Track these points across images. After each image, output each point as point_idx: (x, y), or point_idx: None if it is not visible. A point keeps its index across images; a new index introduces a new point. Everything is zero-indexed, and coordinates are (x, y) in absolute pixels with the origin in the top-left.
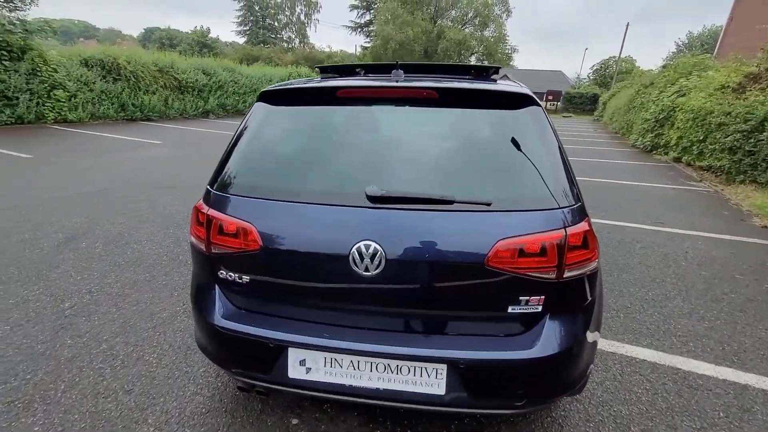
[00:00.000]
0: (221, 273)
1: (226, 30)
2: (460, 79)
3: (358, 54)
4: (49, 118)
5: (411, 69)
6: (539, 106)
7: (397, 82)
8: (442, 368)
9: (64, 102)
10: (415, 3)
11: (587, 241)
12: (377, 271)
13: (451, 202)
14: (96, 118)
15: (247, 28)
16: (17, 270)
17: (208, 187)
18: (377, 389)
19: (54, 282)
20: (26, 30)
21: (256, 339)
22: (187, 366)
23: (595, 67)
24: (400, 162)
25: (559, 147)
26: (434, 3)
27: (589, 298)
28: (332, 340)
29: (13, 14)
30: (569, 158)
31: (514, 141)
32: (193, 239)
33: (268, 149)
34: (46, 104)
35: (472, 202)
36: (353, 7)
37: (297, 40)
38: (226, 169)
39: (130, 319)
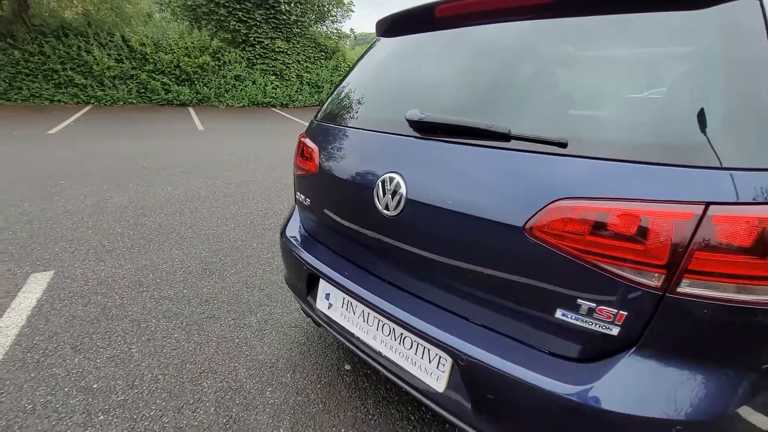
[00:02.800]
0: (298, 195)
1: None
2: None
3: None
4: None
5: None
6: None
7: None
8: (446, 359)
9: None
10: None
11: (765, 242)
12: (396, 211)
13: (506, 137)
14: None
15: None
16: None
17: (312, 118)
18: (379, 353)
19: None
20: (339, 37)
21: (301, 261)
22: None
23: None
24: (474, 90)
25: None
26: None
27: (756, 353)
28: (349, 282)
29: (334, 26)
30: None
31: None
32: None
33: (359, 81)
34: None
35: (536, 139)
36: None
37: None
38: (327, 102)
39: None
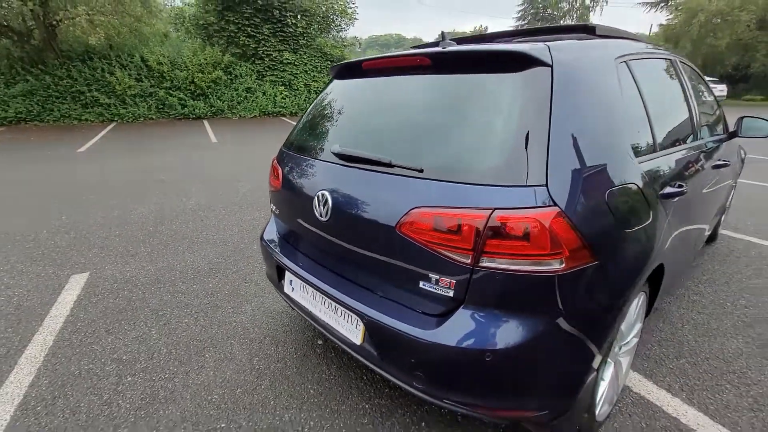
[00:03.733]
0: (271, 205)
1: (506, 27)
2: (510, 41)
3: (648, 35)
4: None
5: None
6: (548, 66)
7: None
8: (359, 321)
9: None
10: None
11: (533, 232)
12: (327, 218)
13: (389, 165)
14: None
15: (526, 21)
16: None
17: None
18: (324, 321)
19: None
20: (344, 45)
21: (273, 258)
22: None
23: None
24: (380, 127)
25: (551, 118)
26: None
27: (540, 304)
28: (302, 270)
29: (339, 34)
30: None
31: (489, 107)
32: None
33: (312, 116)
34: None
35: (405, 167)
36: None
37: None
38: (291, 132)
39: None
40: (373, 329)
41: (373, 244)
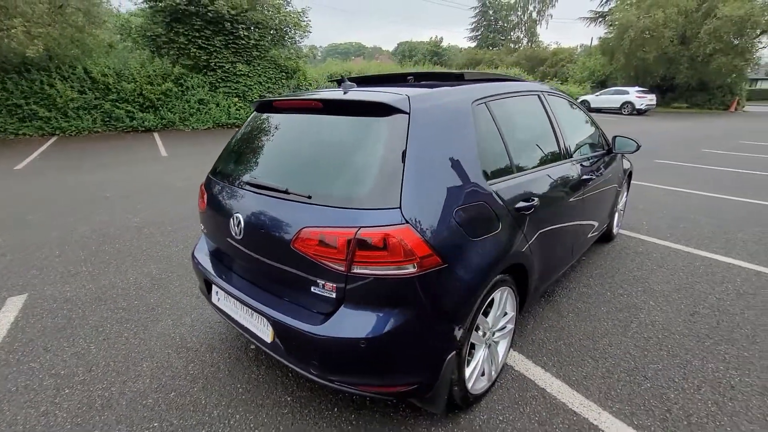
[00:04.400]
0: (201, 225)
1: (460, 38)
2: (417, 86)
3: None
4: None
5: (378, 80)
6: (407, 113)
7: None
8: (268, 322)
9: None
10: None
11: (389, 244)
12: (241, 236)
13: (286, 192)
14: None
15: (479, 33)
16: None
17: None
18: (243, 325)
19: None
20: (298, 57)
21: (202, 272)
22: None
23: None
24: (284, 159)
25: (406, 156)
26: None
27: (402, 300)
28: (224, 282)
29: (294, 46)
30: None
31: (361, 146)
32: None
33: (233, 145)
34: None
35: (298, 194)
36: None
37: (525, 40)
38: (218, 158)
39: None
40: (278, 328)
41: (276, 257)
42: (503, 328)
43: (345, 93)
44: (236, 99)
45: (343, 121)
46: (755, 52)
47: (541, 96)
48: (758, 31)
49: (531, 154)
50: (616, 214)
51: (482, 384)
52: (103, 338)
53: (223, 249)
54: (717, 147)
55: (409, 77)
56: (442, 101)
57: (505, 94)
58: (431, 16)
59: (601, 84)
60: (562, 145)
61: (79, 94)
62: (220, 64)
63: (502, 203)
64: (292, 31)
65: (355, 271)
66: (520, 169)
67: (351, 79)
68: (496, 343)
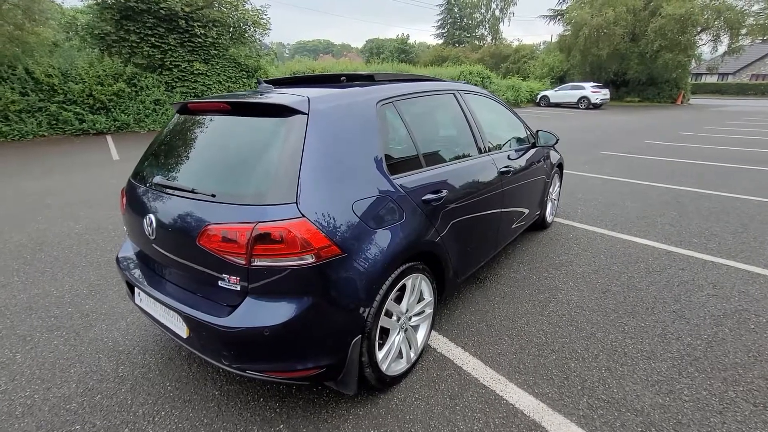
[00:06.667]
0: (123, 227)
1: (427, 35)
2: (327, 86)
3: (548, 44)
4: None
5: (307, 80)
6: (305, 114)
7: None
8: (181, 318)
9: None
10: None
11: (286, 237)
12: (154, 236)
13: (193, 191)
14: None
15: (445, 30)
16: None
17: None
18: (163, 323)
19: None
20: (258, 56)
21: (125, 275)
22: None
23: None
24: (194, 160)
25: (303, 154)
26: None
27: (302, 288)
28: (143, 282)
29: (254, 44)
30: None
31: (264, 145)
32: None
33: (152, 146)
34: None
35: (203, 192)
36: None
37: (489, 37)
38: (138, 162)
39: None
40: (191, 323)
41: (185, 254)
42: (421, 312)
43: (261, 95)
44: (194, 99)
45: (250, 122)
46: (696, 49)
47: (457, 95)
48: (698, 29)
49: (442, 150)
50: (549, 204)
51: (401, 366)
52: (31, 347)
53: (142, 250)
54: (659, 138)
55: (342, 78)
56: (344, 102)
57: (415, 93)
58: (399, 14)
59: (560, 80)
60: (479, 141)
61: (20, 96)
62: (176, 63)
63: (406, 195)
64: (252, 29)
65: (256, 263)
66: (429, 164)
67: (282, 80)
68: (415, 327)
